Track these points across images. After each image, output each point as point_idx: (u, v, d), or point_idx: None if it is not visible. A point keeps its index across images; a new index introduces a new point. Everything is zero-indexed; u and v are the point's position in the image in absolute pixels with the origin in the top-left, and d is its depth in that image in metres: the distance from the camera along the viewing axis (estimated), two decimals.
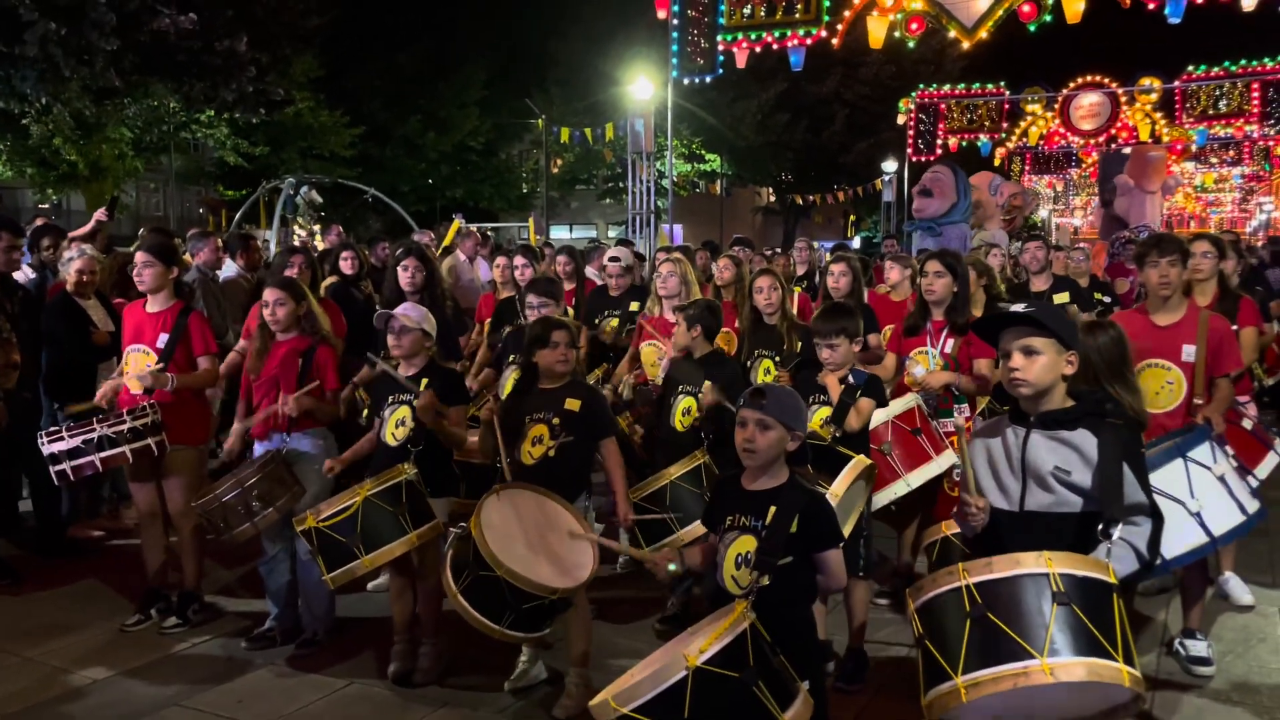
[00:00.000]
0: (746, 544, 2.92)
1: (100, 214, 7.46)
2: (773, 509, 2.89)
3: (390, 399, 4.48)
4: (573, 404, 4.18)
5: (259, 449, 4.80)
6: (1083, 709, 2.55)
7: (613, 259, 6.64)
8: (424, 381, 4.42)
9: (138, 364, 4.97)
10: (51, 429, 4.85)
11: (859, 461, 3.98)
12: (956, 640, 2.43)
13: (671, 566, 3.19)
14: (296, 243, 16.26)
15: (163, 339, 4.94)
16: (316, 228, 25.53)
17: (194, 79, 18.39)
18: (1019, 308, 2.93)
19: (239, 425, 4.85)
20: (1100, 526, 2.67)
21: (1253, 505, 3.97)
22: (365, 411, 5.22)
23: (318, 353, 4.76)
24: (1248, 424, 4.60)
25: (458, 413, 4.51)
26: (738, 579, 2.92)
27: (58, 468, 4.75)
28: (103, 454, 4.72)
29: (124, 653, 4.75)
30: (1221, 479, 3.87)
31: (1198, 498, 3.73)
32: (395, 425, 4.41)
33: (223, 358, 5.46)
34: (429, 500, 4.28)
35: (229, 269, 7.68)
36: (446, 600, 3.87)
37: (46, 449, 4.74)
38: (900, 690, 4.26)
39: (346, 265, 7.16)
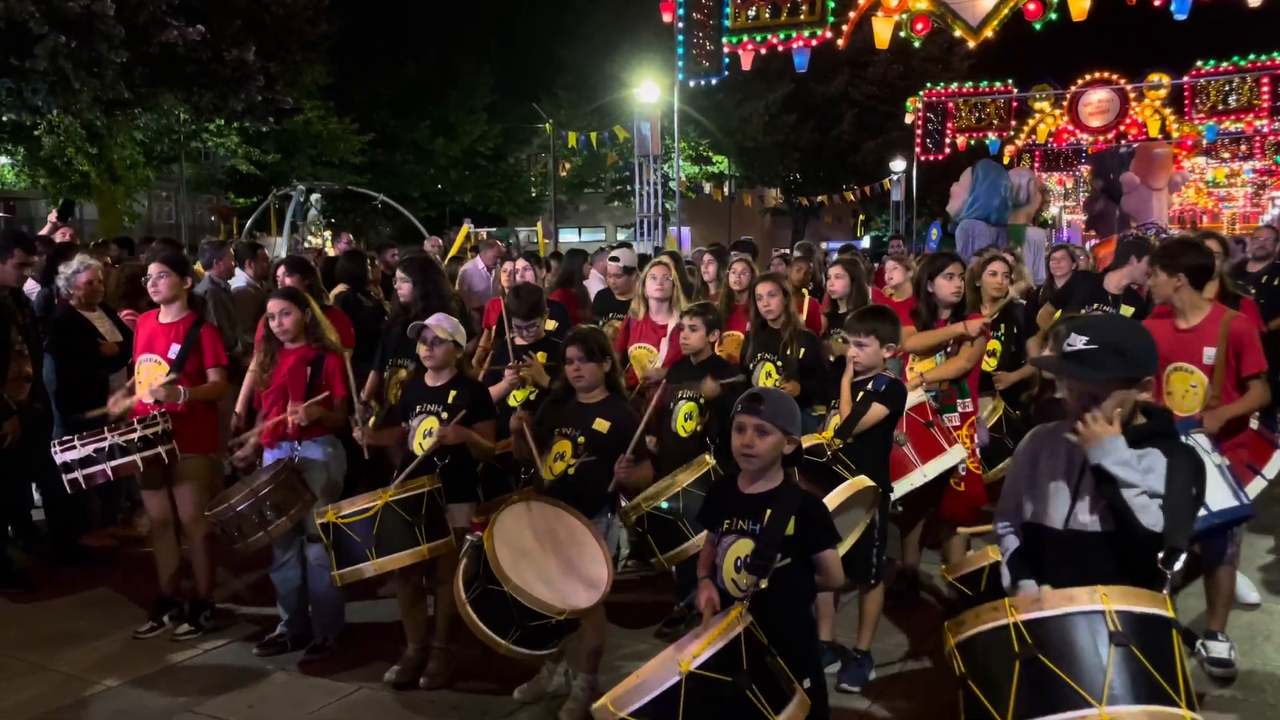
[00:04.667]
0: (744, 547, 2.95)
1: (52, 217, 7.57)
2: (769, 512, 2.92)
3: (418, 408, 4.52)
4: (601, 425, 4.12)
5: (269, 457, 4.86)
6: None
7: (612, 259, 6.68)
8: (452, 394, 4.46)
9: (150, 374, 5.04)
10: (65, 438, 4.92)
11: (855, 483, 3.90)
12: (1005, 683, 2.26)
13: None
14: (296, 253, 16.37)
15: (175, 350, 5.01)
16: (327, 234, 25.72)
17: (203, 89, 18.53)
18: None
19: (253, 435, 4.91)
20: (1162, 556, 2.50)
21: (1225, 503, 3.97)
22: (372, 420, 5.25)
23: (326, 361, 4.82)
24: (1254, 424, 4.59)
25: (485, 427, 4.50)
26: (737, 582, 2.95)
27: (70, 476, 4.82)
28: (114, 462, 4.78)
29: (136, 660, 4.80)
30: (1219, 468, 3.88)
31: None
32: (423, 435, 4.45)
33: (232, 367, 5.50)
34: (448, 508, 4.32)
35: (239, 279, 7.75)
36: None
37: (59, 457, 4.82)
38: (905, 693, 4.29)
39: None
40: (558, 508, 3.90)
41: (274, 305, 4.80)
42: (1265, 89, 22.87)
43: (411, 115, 31.72)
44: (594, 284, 8.48)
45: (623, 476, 3.95)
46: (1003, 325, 5.75)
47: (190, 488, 5.06)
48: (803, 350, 5.24)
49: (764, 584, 2.79)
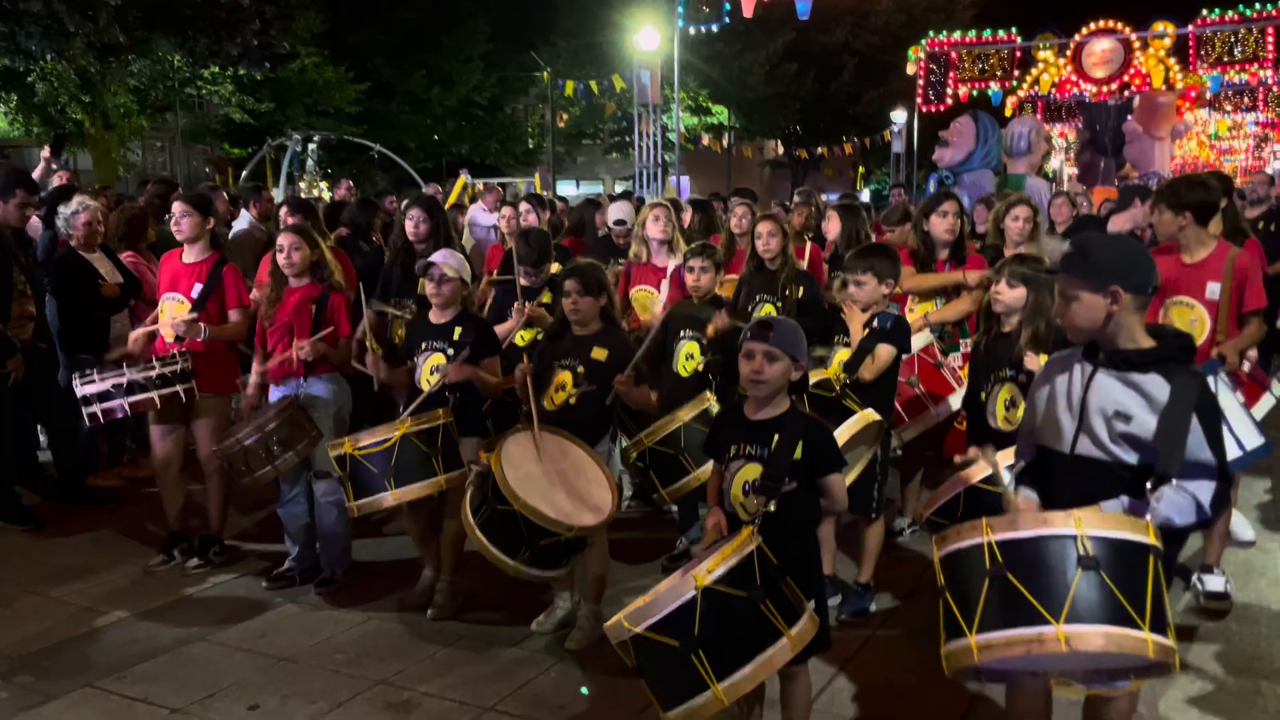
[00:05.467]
0: (752, 471, 3.00)
1: (45, 153, 7.50)
2: (776, 436, 2.96)
3: (424, 345, 4.55)
4: (599, 353, 4.23)
5: (275, 394, 4.89)
6: (1105, 664, 2.45)
7: (618, 222, 6.69)
8: (458, 330, 4.50)
9: (173, 312, 5.08)
10: (85, 372, 4.95)
11: (864, 416, 3.93)
12: (975, 598, 2.34)
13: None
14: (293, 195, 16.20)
15: (197, 289, 5.03)
16: (324, 184, 25.53)
17: (198, 33, 18.22)
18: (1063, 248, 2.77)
19: (255, 373, 4.94)
20: (1150, 482, 2.52)
21: (1254, 441, 4.04)
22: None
23: (330, 299, 4.83)
24: (1246, 365, 4.63)
25: (491, 363, 4.57)
26: (745, 505, 3.00)
27: (89, 410, 4.88)
28: (131, 398, 4.83)
29: (147, 593, 4.88)
30: (1242, 406, 3.93)
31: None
32: (430, 371, 4.48)
33: None
34: (460, 442, 4.37)
35: (242, 221, 7.72)
36: (468, 541, 3.97)
37: (80, 390, 4.87)
38: (903, 627, 4.37)
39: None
40: (560, 436, 4.02)
41: (284, 239, 4.82)
42: (1271, 39, 22.66)
43: (407, 64, 31.33)
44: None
45: (622, 389, 4.06)
46: None
47: (207, 426, 5.12)
48: (801, 289, 5.25)
49: (772, 506, 2.84)
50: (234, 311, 5.14)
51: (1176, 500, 2.52)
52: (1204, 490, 2.55)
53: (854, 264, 4.40)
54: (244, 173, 23.56)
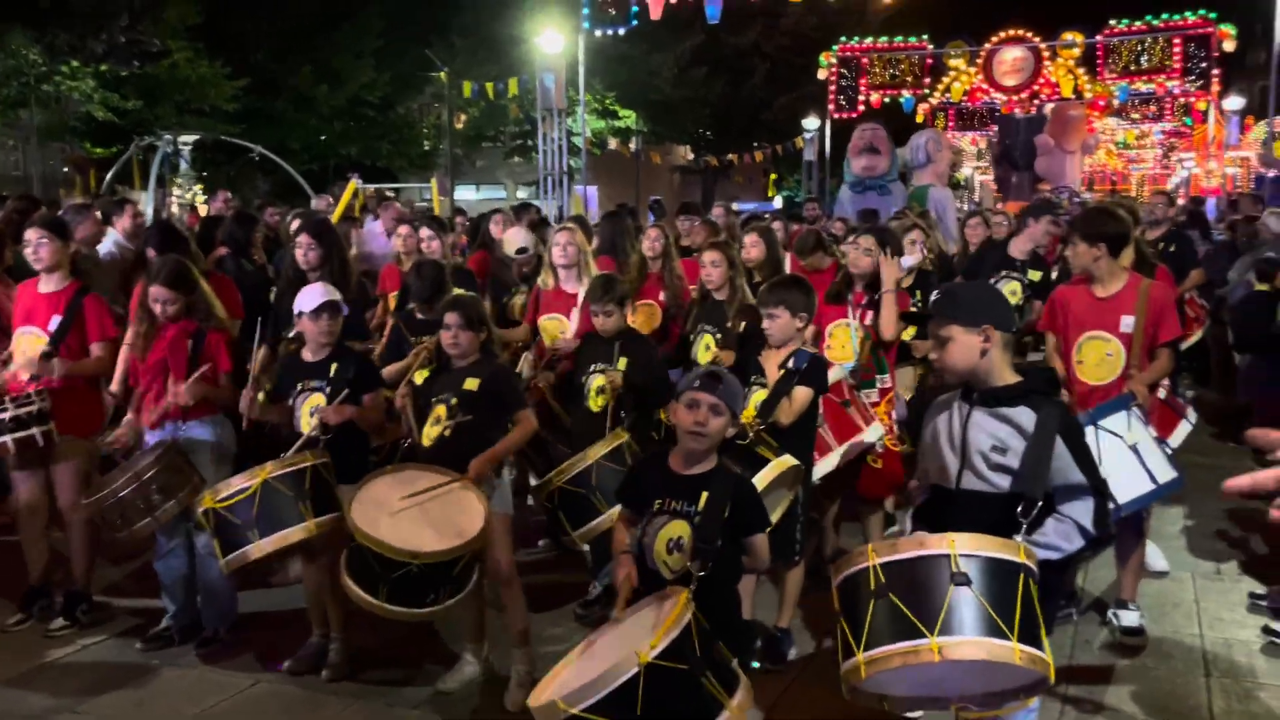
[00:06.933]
0: (679, 529, 3.04)
1: None
2: (705, 495, 3.01)
3: (300, 385, 4.48)
4: (471, 383, 4.25)
5: (150, 438, 4.74)
6: (993, 684, 2.70)
7: (519, 250, 6.70)
8: (334, 367, 4.46)
9: (28, 347, 4.87)
10: None
11: (779, 464, 4.01)
12: (863, 618, 2.59)
13: None
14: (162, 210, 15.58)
15: (55, 321, 4.84)
16: (198, 188, 24.78)
17: (58, 28, 17.50)
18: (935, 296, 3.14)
19: (130, 415, 4.78)
20: (1021, 507, 2.82)
21: (1166, 475, 4.25)
22: (261, 396, 5.15)
23: (208, 335, 4.72)
24: (1161, 393, 4.87)
25: (373, 399, 4.55)
26: (669, 563, 3.04)
27: None
28: None
29: (5, 657, 4.66)
30: (1134, 448, 4.13)
31: (1104, 466, 3.95)
32: (309, 414, 4.41)
33: None
34: (338, 488, 4.29)
35: (108, 241, 7.42)
36: None
37: None
38: (822, 673, 4.44)
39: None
40: (432, 470, 4.04)
41: (157, 292, 4.66)
42: (1177, 49, 23.90)
43: (292, 59, 30.62)
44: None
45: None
46: (918, 292, 5.93)
47: (69, 471, 4.94)
48: (744, 324, 5.30)
49: (704, 571, 2.89)
50: (96, 345, 4.96)
51: (1059, 528, 2.88)
52: (1082, 512, 2.89)
53: (766, 298, 4.47)
54: (108, 175, 22.71)
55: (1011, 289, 6.63)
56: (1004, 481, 2.91)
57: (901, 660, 2.50)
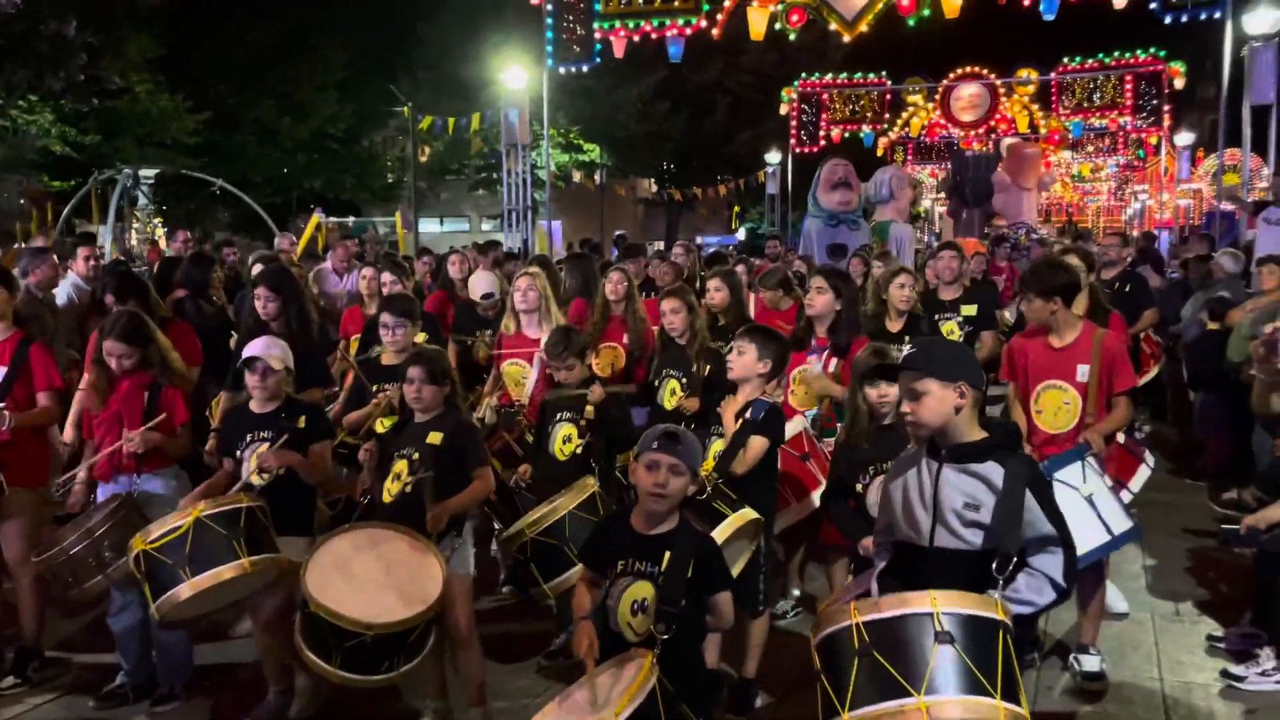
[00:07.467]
0: (642, 590, 3.03)
1: None
2: (668, 555, 3.00)
3: (248, 437, 4.41)
4: (434, 437, 4.19)
5: (103, 492, 4.65)
6: None
7: (485, 296, 6.67)
8: (281, 417, 4.41)
9: None
10: None
11: (738, 518, 4.00)
12: (846, 676, 2.60)
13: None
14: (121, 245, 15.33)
15: (1, 372, 4.74)
16: (157, 221, 24.49)
17: (16, 65, 17.29)
18: (908, 350, 3.14)
19: (83, 470, 4.69)
20: (996, 563, 2.84)
21: (1121, 525, 4.30)
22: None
23: (164, 389, 4.65)
24: (1120, 438, 4.94)
25: (321, 447, 4.49)
26: (633, 625, 3.02)
27: None
28: None
29: None
30: (1089, 499, 4.18)
31: None
32: (261, 471, 4.33)
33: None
34: (277, 537, 4.17)
35: (65, 285, 7.31)
36: None
37: None
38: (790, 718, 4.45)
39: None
40: (391, 529, 3.96)
41: (111, 346, 4.58)
42: (1129, 86, 24.50)
43: (254, 91, 30.44)
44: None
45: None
46: (906, 337, 5.94)
47: (17, 524, 4.83)
48: (709, 368, 5.30)
49: (667, 634, 2.87)
50: (43, 394, 4.87)
51: (1031, 583, 2.92)
52: (1053, 565, 2.94)
53: (739, 335, 4.51)
54: (66, 209, 22.42)
55: (949, 329, 6.73)
56: (977, 538, 2.93)
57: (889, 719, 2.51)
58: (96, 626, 5.27)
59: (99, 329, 4.77)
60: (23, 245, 11.57)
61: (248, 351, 4.47)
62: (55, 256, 7.34)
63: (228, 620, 5.34)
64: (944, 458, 3.02)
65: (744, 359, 4.39)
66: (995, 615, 2.65)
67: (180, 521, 3.96)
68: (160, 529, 3.97)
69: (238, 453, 4.43)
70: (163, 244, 17.35)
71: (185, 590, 3.89)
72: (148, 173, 22.78)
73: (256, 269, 7.60)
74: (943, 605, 2.60)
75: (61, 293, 7.18)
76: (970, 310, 6.92)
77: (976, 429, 3.03)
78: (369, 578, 3.78)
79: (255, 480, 4.31)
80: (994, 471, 2.94)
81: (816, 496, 4.70)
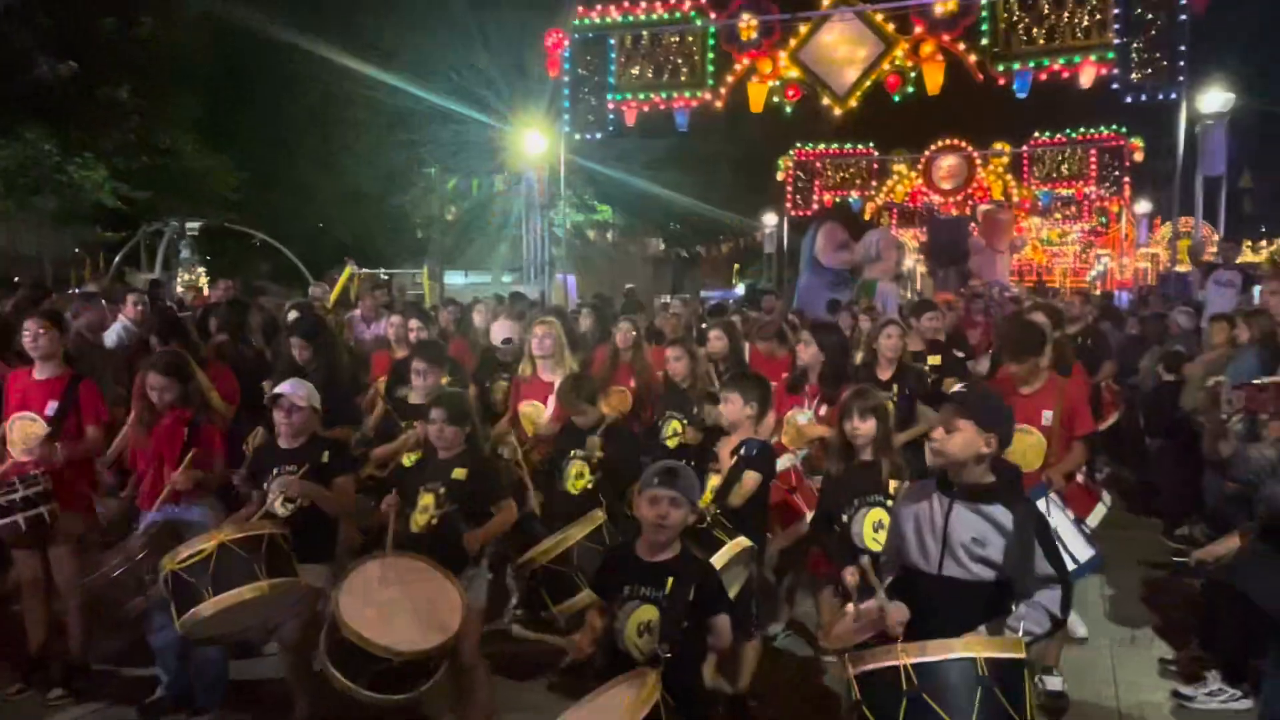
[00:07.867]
0: (648, 613, 3.09)
1: None
2: (671, 580, 3.07)
3: (275, 470, 4.45)
4: (459, 473, 4.23)
5: (144, 520, 4.71)
6: None
7: (505, 341, 6.76)
8: (306, 452, 4.46)
9: (24, 432, 4.85)
10: None
11: (734, 546, 4.08)
12: (894, 713, 2.67)
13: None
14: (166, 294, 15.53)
15: (52, 407, 4.84)
16: (201, 270, 24.73)
17: (73, 127, 17.59)
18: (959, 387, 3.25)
19: (124, 494, 4.76)
20: (1015, 604, 2.98)
21: (1085, 553, 4.39)
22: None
23: (203, 426, 4.74)
24: (1080, 478, 5.03)
25: (344, 482, 4.52)
26: (640, 646, 3.08)
27: None
28: None
29: None
30: (1072, 523, 4.27)
31: None
32: (285, 501, 4.39)
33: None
34: (299, 564, 4.20)
35: (117, 326, 7.42)
36: None
37: None
38: None
39: None
40: (415, 559, 3.98)
41: (153, 379, 4.68)
42: (1093, 159, 24.90)
43: (290, 153, 30.81)
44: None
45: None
46: (895, 385, 6.01)
47: (67, 547, 4.88)
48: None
49: (670, 653, 2.93)
50: (90, 428, 4.94)
51: (1033, 615, 3.02)
52: (1052, 599, 3.05)
53: (725, 385, 4.64)
54: (117, 258, 22.69)
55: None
56: (984, 572, 3.04)
57: None
58: (139, 643, 5.29)
59: (143, 366, 4.88)
60: (75, 291, 11.71)
61: (276, 390, 4.56)
62: (104, 301, 7.45)
63: (257, 640, 5.36)
64: (955, 494, 3.11)
65: (731, 406, 4.52)
66: (1021, 656, 2.78)
67: (206, 545, 4.01)
68: (188, 550, 4.02)
69: (265, 484, 4.47)
70: (205, 291, 17.52)
71: (207, 609, 3.94)
72: (193, 225, 23.09)
73: (292, 315, 7.71)
74: (983, 652, 2.71)
75: (112, 335, 7.28)
76: (936, 360, 6.93)
77: (989, 473, 3.13)
78: (396, 606, 3.79)
79: (279, 509, 4.36)
80: (1002, 515, 3.04)
81: (804, 524, 4.77)
